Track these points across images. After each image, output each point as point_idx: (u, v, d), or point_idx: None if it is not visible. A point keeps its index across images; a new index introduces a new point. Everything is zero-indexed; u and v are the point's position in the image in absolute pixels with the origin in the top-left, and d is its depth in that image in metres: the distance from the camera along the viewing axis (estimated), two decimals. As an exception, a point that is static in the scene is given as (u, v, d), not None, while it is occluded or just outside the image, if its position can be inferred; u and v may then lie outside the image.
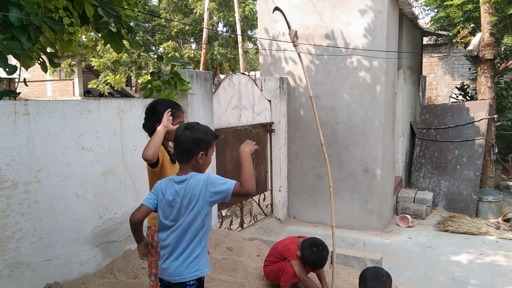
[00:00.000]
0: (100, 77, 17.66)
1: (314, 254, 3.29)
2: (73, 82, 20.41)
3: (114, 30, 3.76)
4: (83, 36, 4.63)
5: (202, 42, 15.09)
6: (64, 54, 3.74)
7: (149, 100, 3.94)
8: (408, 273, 4.74)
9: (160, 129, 2.52)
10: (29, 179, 2.95)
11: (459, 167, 7.15)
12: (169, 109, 2.61)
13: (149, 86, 4.02)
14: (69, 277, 3.24)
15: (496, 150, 7.59)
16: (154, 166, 2.58)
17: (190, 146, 2.15)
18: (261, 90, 6.02)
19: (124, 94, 22.07)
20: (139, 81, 18.14)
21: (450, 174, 7.21)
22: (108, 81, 17.04)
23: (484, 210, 6.75)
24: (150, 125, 2.66)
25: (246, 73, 5.71)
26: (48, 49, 3.78)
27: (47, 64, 3.81)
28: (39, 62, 3.75)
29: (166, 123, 2.56)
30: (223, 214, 5.47)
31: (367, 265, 3.96)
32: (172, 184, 2.17)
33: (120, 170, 3.67)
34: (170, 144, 2.81)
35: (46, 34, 3.47)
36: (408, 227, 6.32)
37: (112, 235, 3.61)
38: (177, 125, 2.68)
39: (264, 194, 6.10)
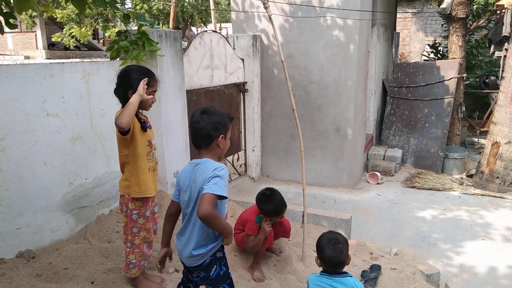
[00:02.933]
0: (64, 29, 16.80)
1: (262, 202, 3.30)
2: (36, 34, 19.37)
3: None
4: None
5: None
6: (21, 14, 3.48)
7: (116, 62, 3.81)
8: (376, 229, 4.95)
9: (135, 98, 2.48)
10: (-8, 148, 2.85)
11: (428, 125, 7.33)
12: (146, 78, 2.56)
13: (116, 46, 3.84)
14: (41, 244, 3.22)
15: (464, 109, 7.80)
16: (125, 134, 2.54)
17: (210, 130, 2.11)
18: (234, 49, 5.88)
19: (91, 48, 21.19)
20: (106, 34, 17.38)
21: (419, 132, 7.40)
22: (73, 34, 16.24)
23: (449, 167, 7.03)
24: (122, 91, 2.60)
25: (218, 30, 5.52)
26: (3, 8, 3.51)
27: (3, 24, 3.56)
28: (-6, 22, 3.49)
29: (142, 92, 2.52)
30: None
31: (337, 225, 4.11)
32: (189, 168, 2.17)
33: (89, 135, 3.58)
34: (140, 111, 2.75)
35: (0, -9, 3.21)
36: (378, 184, 6.53)
37: (84, 201, 3.58)
38: (151, 96, 2.63)
39: (238, 154, 6.12)
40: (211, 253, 2.19)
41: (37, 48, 19.27)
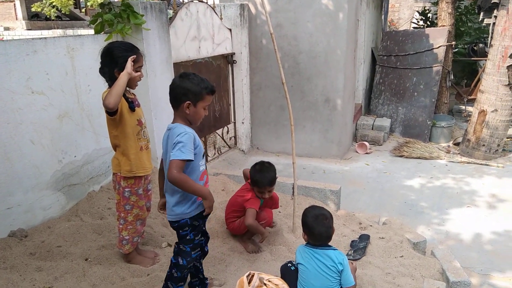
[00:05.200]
0: (44, -1, 16.22)
1: (257, 171, 3.29)
2: (14, 4, 18.67)
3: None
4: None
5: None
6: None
7: (101, 36, 3.71)
8: (364, 199, 5.04)
9: (124, 77, 2.43)
10: (-23, 128, 2.79)
11: (416, 94, 7.36)
12: (134, 56, 2.50)
13: (100, 20, 3.73)
14: (33, 223, 3.22)
15: (452, 77, 7.82)
16: (113, 114, 2.50)
17: (178, 93, 2.24)
18: (221, 19, 5.74)
19: (73, 17, 20.54)
20: (89, 3, 16.83)
21: (408, 101, 7.44)
22: (54, 3, 15.68)
23: (437, 135, 7.11)
24: (107, 70, 2.53)
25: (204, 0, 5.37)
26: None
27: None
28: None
29: (130, 70, 2.47)
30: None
31: (327, 196, 4.17)
32: (166, 131, 2.34)
33: (76, 112, 3.53)
34: (128, 89, 2.70)
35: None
36: (366, 153, 6.61)
37: (74, 178, 3.56)
38: (139, 72, 2.58)
39: (228, 127, 6.10)
40: (187, 216, 2.34)
41: (16, 18, 18.61)
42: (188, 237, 2.40)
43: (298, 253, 2.54)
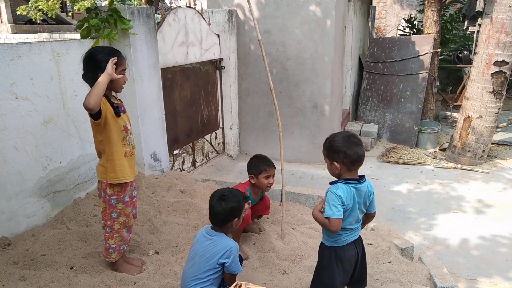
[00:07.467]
0: (30, 2, 15.96)
1: (254, 159, 3.47)
2: None
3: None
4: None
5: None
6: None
7: (87, 42, 3.67)
8: (352, 204, 5.04)
9: (104, 77, 2.37)
10: (-42, 134, 2.72)
11: (403, 100, 7.44)
12: (115, 57, 2.45)
13: (86, 25, 3.69)
14: (17, 231, 3.15)
15: (438, 83, 7.93)
16: (97, 118, 2.45)
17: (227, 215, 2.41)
18: (209, 24, 5.74)
19: (60, 21, 20.34)
20: (75, 7, 16.65)
21: (395, 107, 7.51)
22: (39, 7, 15.47)
23: (423, 141, 7.19)
24: (91, 75, 2.48)
25: (192, 3, 5.36)
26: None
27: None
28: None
29: (111, 71, 2.41)
30: (175, 153, 5.42)
31: (315, 202, 4.16)
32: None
33: (62, 118, 3.47)
34: (114, 94, 2.66)
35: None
36: (354, 159, 6.62)
37: (59, 185, 3.50)
38: (121, 74, 2.54)
39: (216, 133, 6.07)
40: None
41: (1, 22, 18.34)
42: None
43: (344, 193, 2.13)
